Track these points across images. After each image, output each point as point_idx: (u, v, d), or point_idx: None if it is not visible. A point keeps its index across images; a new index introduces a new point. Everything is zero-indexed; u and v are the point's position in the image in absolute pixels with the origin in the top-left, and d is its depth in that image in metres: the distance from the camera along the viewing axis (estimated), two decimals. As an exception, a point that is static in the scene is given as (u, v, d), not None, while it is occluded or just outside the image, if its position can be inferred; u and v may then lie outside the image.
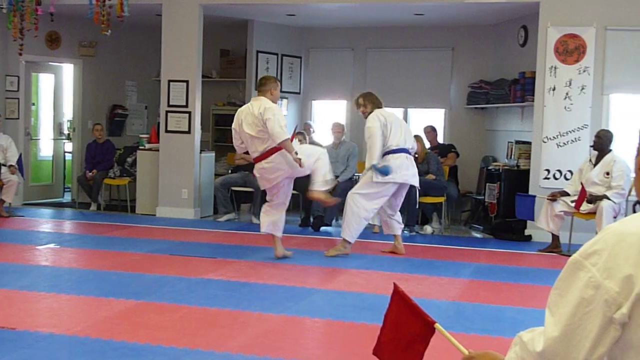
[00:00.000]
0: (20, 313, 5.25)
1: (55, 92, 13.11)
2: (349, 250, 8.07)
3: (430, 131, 11.15)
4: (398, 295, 2.15)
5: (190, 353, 4.51)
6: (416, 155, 10.02)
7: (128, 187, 11.51)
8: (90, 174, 11.43)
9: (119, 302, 5.73)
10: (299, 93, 12.76)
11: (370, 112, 8.10)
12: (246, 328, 5.14)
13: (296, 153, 7.23)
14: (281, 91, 12.27)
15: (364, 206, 7.98)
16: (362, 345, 4.89)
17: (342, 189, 10.11)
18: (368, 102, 8.18)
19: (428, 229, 9.99)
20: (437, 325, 2.06)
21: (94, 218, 10.63)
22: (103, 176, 11.51)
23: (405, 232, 9.84)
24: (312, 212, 10.11)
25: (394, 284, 2.20)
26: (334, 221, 10.28)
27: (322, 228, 9.97)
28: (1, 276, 6.50)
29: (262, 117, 7.21)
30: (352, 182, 10.40)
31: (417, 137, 10.06)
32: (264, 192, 10.27)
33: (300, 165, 7.26)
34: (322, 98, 12.91)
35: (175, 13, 10.66)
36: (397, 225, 8.31)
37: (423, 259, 8.14)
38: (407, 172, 8.06)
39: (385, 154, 7.99)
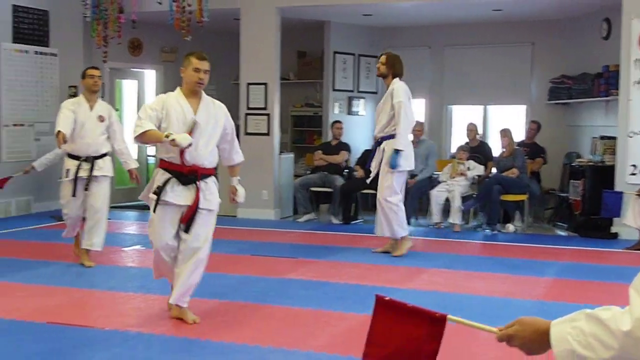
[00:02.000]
0: (109, 313, 5.40)
1: (139, 98, 13.43)
2: (411, 242, 8.02)
3: (535, 128, 10.89)
4: (383, 307, 2.05)
5: (275, 352, 4.56)
6: (503, 150, 9.90)
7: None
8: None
9: (202, 301, 5.83)
10: (376, 93, 12.74)
11: (386, 76, 7.89)
12: (328, 327, 5.17)
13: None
14: (358, 91, 12.44)
15: (395, 203, 7.80)
16: (443, 344, 4.86)
17: (418, 187, 10.08)
18: (392, 64, 7.88)
19: (510, 227, 9.84)
20: (450, 316, 2.01)
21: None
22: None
23: (487, 230, 9.74)
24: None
25: (376, 295, 2.09)
26: (414, 219, 10.22)
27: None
28: (90, 277, 6.69)
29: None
30: (430, 180, 10.35)
31: (504, 131, 9.95)
32: (342, 193, 10.34)
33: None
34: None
35: (253, 17, 10.79)
36: None
37: (505, 258, 8.03)
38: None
39: (389, 137, 7.77)
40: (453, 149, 11.78)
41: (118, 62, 12.18)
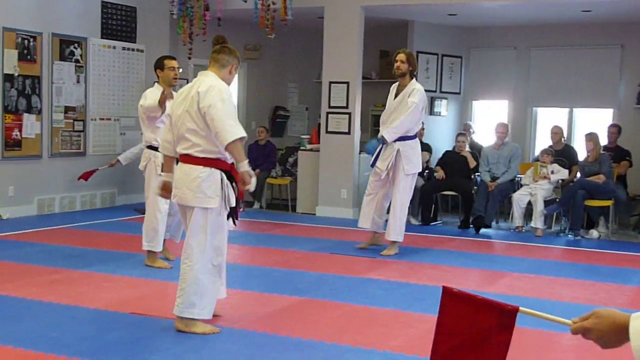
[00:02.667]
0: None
1: (221, 95, 13.59)
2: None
3: (615, 132, 10.60)
4: (450, 298, 2.05)
5: (352, 350, 4.56)
6: (588, 154, 9.67)
7: (289, 186, 11.78)
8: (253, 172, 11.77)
9: (282, 298, 5.87)
10: (459, 93, 12.61)
11: (405, 74, 7.78)
12: (407, 328, 5.13)
13: None
14: (441, 91, 12.33)
15: (407, 207, 7.97)
16: (525, 349, 4.77)
17: (500, 190, 9.92)
18: (412, 63, 7.81)
19: (594, 233, 9.59)
20: (522, 309, 1.97)
21: (257, 216, 10.93)
22: (266, 176, 11.83)
23: (570, 235, 9.53)
24: (473, 213, 9.94)
25: (444, 287, 2.09)
26: (494, 223, 10.08)
27: (482, 230, 9.77)
28: (171, 271, 6.79)
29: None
30: (512, 183, 10.18)
31: (590, 135, 9.71)
32: (422, 193, 10.26)
33: None
34: (482, 98, 12.70)
35: (337, 15, 10.80)
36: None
37: (588, 264, 7.83)
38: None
39: (411, 138, 7.77)
40: (537, 152, 11.55)
41: (202, 58, 12.34)
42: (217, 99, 4.68)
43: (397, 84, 7.95)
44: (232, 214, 4.94)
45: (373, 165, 7.90)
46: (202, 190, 4.74)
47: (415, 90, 7.71)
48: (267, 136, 12.18)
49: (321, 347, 4.62)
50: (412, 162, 7.74)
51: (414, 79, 7.84)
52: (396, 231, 7.84)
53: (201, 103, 4.68)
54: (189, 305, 4.79)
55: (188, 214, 4.87)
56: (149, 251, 6.95)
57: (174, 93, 6.75)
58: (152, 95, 6.92)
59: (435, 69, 12.24)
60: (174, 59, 7.31)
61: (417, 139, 7.91)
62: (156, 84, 7.17)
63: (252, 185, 4.73)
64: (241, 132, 4.70)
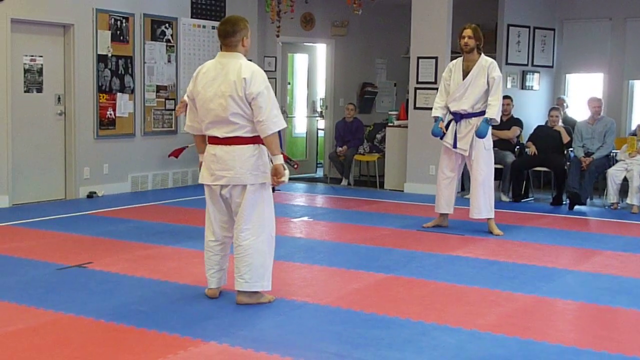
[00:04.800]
0: (275, 282, 5.51)
1: (309, 72, 13.64)
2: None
3: None
4: None
5: (438, 328, 4.51)
6: None
7: (377, 163, 11.73)
8: (341, 149, 11.79)
9: (368, 275, 5.86)
10: (552, 67, 12.28)
11: (473, 49, 7.62)
12: (495, 306, 5.04)
13: None
14: (533, 65, 12.03)
15: (492, 183, 7.83)
16: (617, 330, 4.63)
17: (596, 165, 9.63)
18: (479, 37, 7.65)
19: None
20: None
21: (344, 193, 10.93)
22: (353, 152, 11.82)
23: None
24: (566, 189, 9.67)
25: None
26: (588, 200, 9.79)
27: (576, 207, 9.51)
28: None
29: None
30: (608, 159, 9.85)
31: None
32: (513, 169, 10.05)
33: None
34: (576, 71, 12.33)
35: (425, -11, 10.64)
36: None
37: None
38: None
39: (483, 113, 7.55)
40: (633, 126, 11.15)
41: (290, 36, 12.39)
42: (263, 87, 4.75)
43: (460, 59, 7.78)
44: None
45: (455, 146, 7.73)
46: (258, 167, 4.87)
47: (494, 65, 7.63)
48: (355, 113, 12.15)
49: (407, 324, 4.59)
50: (489, 137, 7.63)
51: (482, 54, 7.70)
52: (487, 208, 7.71)
53: (248, 89, 4.72)
54: (257, 279, 4.91)
55: (235, 192, 4.92)
56: None
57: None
58: None
59: (527, 42, 11.93)
60: None
61: None
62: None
63: (285, 177, 4.80)
64: (283, 124, 4.83)
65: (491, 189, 7.74)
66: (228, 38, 4.89)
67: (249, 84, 4.72)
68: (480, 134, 7.45)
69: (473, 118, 7.60)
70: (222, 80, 4.82)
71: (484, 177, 7.67)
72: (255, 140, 4.86)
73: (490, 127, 7.55)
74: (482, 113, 7.54)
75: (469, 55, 7.68)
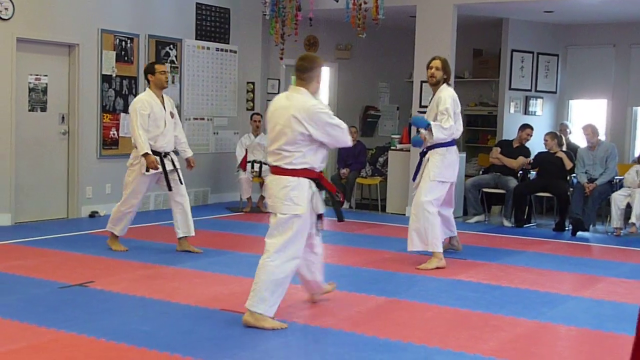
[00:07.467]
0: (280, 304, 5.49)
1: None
2: (444, 263, 7.19)
3: None
4: None
5: (441, 353, 4.48)
6: None
7: (379, 186, 11.73)
8: (344, 171, 11.79)
9: (370, 298, 5.84)
10: (555, 92, 12.31)
11: (439, 82, 7.17)
12: (498, 331, 5.02)
13: None
14: (536, 90, 12.05)
15: (433, 214, 7.14)
16: (621, 357, 4.59)
17: (599, 192, 9.62)
18: (446, 70, 7.18)
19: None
20: None
21: (346, 216, 10.79)
22: (355, 176, 11.81)
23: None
24: (569, 215, 9.65)
25: None
26: (591, 226, 9.77)
27: (578, 233, 9.48)
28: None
29: None
30: (610, 185, 9.84)
31: None
32: (515, 195, 10.04)
33: None
34: (580, 97, 12.36)
35: (429, 14, 10.68)
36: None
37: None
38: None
39: (449, 144, 7.22)
40: (636, 153, 11.16)
41: (294, 59, 12.37)
42: (326, 117, 5.21)
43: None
44: (320, 219, 5.31)
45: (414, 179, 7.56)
46: (290, 197, 4.98)
47: (443, 97, 7.15)
48: (357, 136, 12.16)
49: (409, 348, 4.56)
50: (439, 167, 7.26)
51: (445, 84, 7.27)
52: (419, 240, 7.25)
53: (308, 123, 5.07)
54: (259, 301, 4.92)
55: (273, 217, 5.09)
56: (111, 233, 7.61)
57: (167, 98, 7.55)
58: (146, 98, 7.38)
59: (531, 67, 11.97)
60: (163, 63, 7.75)
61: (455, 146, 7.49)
62: (147, 89, 7.56)
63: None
64: None
65: (428, 220, 7.15)
66: (306, 73, 5.32)
67: (307, 121, 5.08)
68: (413, 139, 7.39)
69: (428, 152, 7.31)
70: (278, 110, 5.18)
71: (422, 208, 7.17)
72: (295, 172, 5.03)
73: (420, 135, 7.22)
74: (438, 146, 7.22)
75: (434, 88, 7.33)
